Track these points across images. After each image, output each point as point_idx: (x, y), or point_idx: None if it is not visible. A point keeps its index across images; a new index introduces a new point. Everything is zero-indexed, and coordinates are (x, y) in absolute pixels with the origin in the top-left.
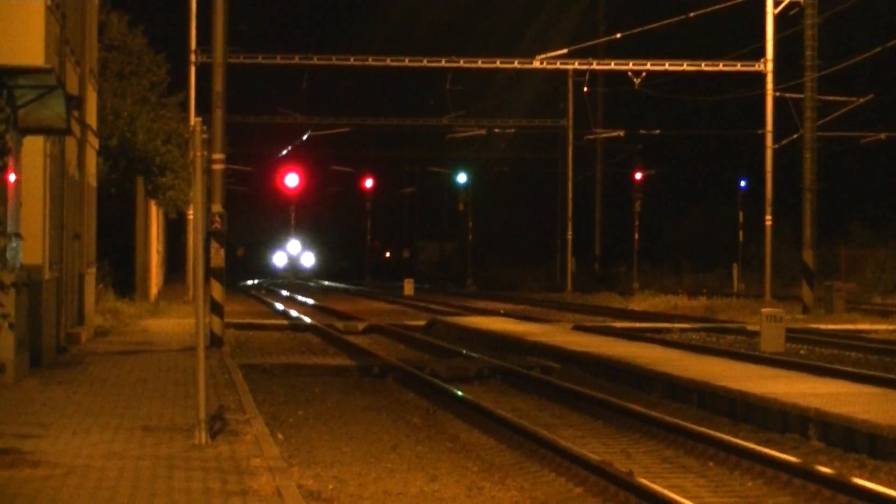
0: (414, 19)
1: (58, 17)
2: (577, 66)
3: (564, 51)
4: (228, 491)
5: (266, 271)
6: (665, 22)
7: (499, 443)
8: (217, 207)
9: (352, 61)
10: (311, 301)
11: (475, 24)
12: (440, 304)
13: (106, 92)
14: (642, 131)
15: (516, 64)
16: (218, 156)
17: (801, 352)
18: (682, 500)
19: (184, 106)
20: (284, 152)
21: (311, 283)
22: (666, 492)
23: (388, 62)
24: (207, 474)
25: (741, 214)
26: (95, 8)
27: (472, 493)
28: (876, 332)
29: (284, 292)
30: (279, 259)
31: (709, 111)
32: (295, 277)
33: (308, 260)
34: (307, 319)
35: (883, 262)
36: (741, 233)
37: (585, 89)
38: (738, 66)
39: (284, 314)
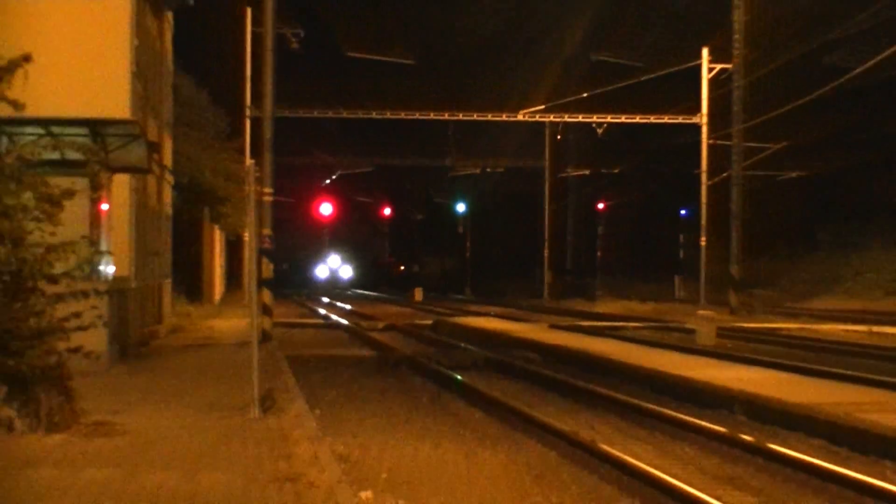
0: (423, 80)
1: (140, 80)
2: (552, 118)
3: (542, 106)
4: (276, 455)
5: (306, 282)
6: (621, 84)
7: (490, 418)
8: (266, 230)
9: (373, 115)
10: (341, 305)
11: (473, 85)
12: (443, 307)
13: (178, 139)
14: (604, 170)
15: (504, 116)
16: (267, 190)
17: (729, 345)
18: (633, 461)
19: (240, 150)
20: (325, 182)
21: (349, 292)
22: (621, 455)
23: (403, 115)
24: (259, 442)
25: (682, 237)
26: (170, 73)
27: (469, 457)
28: (787, 329)
29: (325, 299)
30: (321, 272)
31: (657, 154)
32: (334, 287)
33: (346, 272)
34: (338, 319)
35: (794, 275)
36: (682, 251)
37: (559, 137)
38: (680, 119)
39: (321, 315)
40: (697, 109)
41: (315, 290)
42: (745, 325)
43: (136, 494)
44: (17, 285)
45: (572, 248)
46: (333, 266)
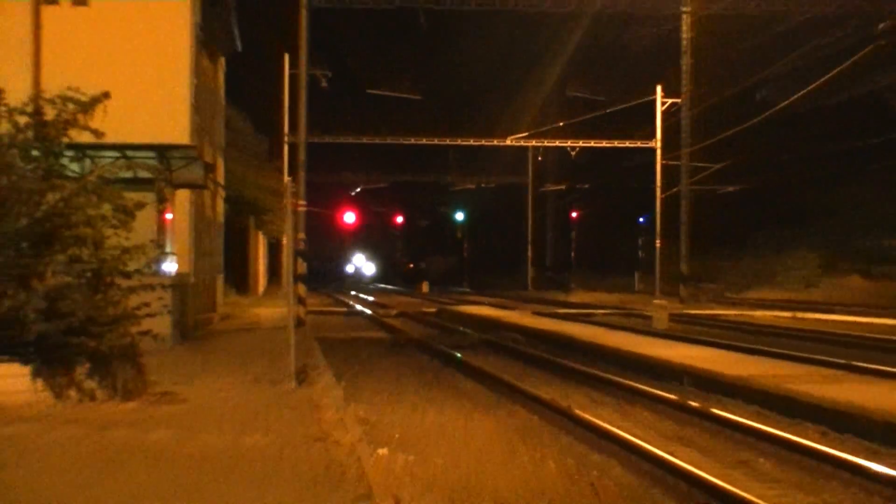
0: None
1: (198, 112)
2: (534, 143)
3: (526, 133)
4: (308, 420)
5: (335, 278)
6: (591, 115)
7: (484, 388)
8: (301, 235)
9: (388, 140)
10: (362, 296)
11: (469, 116)
12: (446, 298)
13: (229, 160)
14: (576, 185)
15: (495, 142)
16: (301, 202)
17: (679, 328)
18: (602, 424)
19: (279, 169)
20: (349, 195)
21: (370, 286)
22: (591, 418)
23: (412, 141)
24: (294, 409)
25: (640, 240)
26: (222, 106)
27: (467, 421)
28: (727, 315)
29: (352, 292)
30: (349, 269)
31: (620, 172)
32: (359, 281)
33: (369, 269)
34: (359, 308)
35: (732, 270)
36: (640, 251)
37: (539, 158)
38: (638, 143)
39: (345, 305)
40: (653, 136)
41: (342, 285)
42: (693, 312)
43: (193, 452)
44: (98, 280)
45: (551, 249)
46: (359, 264)
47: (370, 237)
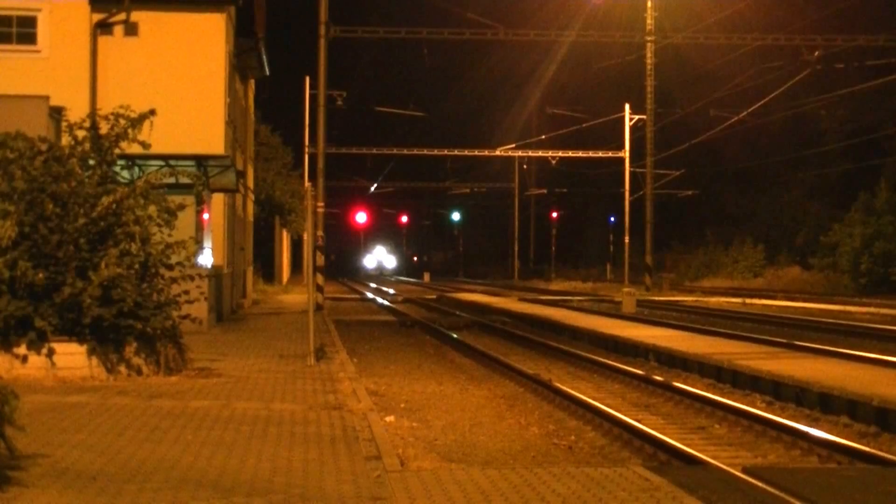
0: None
1: (231, 127)
2: (519, 154)
3: (513, 145)
4: (326, 390)
5: (351, 269)
6: (569, 129)
7: (477, 363)
8: (320, 233)
9: (395, 151)
10: (373, 285)
11: (464, 131)
12: (444, 286)
13: (258, 168)
14: (556, 190)
15: (486, 153)
16: (320, 204)
17: (645, 312)
18: (578, 394)
19: (301, 176)
20: (361, 198)
21: (391, 278)
22: (569, 390)
23: (415, 151)
24: (314, 381)
25: (611, 236)
26: (252, 121)
27: (462, 391)
28: (685, 301)
29: (367, 282)
30: (369, 262)
31: (593, 178)
32: (380, 273)
33: (391, 263)
34: (369, 295)
35: (689, 262)
36: (611, 246)
37: (525, 167)
38: (610, 154)
39: (358, 292)
40: (622, 147)
41: (358, 275)
42: (656, 298)
43: (228, 417)
44: (145, 271)
45: (534, 244)
46: (380, 258)
47: (386, 234)
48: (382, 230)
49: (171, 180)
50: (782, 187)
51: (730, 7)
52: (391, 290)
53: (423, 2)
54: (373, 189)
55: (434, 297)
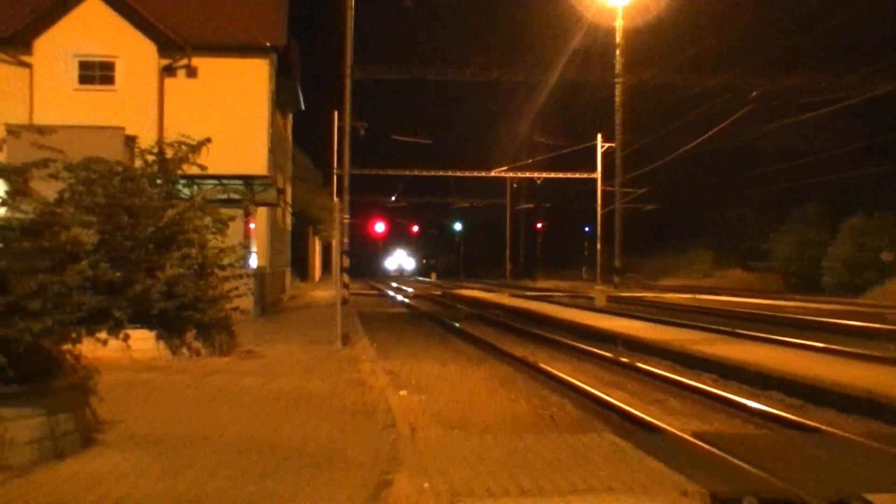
0: (436, 152)
1: (272, 152)
2: (511, 174)
3: (505, 167)
4: (350, 370)
5: (371, 271)
6: (552, 154)
7: (475, 348)
8: (345, 240)
9: (406, 172)
10: (391, 283)
11: (464, 154)
12: (448, 284)
13: (295, 186)
14: (542, 205)
15: (483, 173)
16: (346, 215)
17: (614, 306)
18: (558, 373)
19: (330, 193)
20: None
21: (410, 278)
22: (551, 369)
23: (424, 172)
24: (341, 362)
25: (586, 243)
26: (290, 147)
27: (462, 371)
28: (647, 297)
29: (385, 281)
30: (391, 264)
31: (571, 195)
32: (400, 274)
33: (410, 265)
34: (386, 291)
35: (650, 265)
36: (586, 251)
37: (515, 185)
38: (585, 175)
39: (377, 289)
40: (595, 169)
41: (377, 275)
42: (623, 294)
43: (271, 391)
44: (202, 271)
45: (523, 250)
46: (401, 261)
47: (406, 240)
48: (399, 237)
49: (224, 196)
50: (728, 203)
51: (689, 50)
52: (404, 287)
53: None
54: (391, 201)
55: (439, 293)
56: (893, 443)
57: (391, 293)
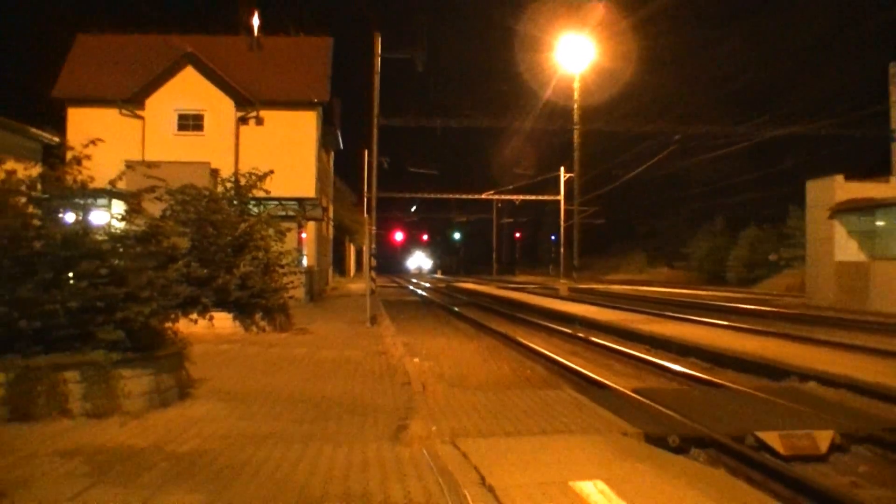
0: (442, 180)
1: (318, 180)
2: (496, 197)
3: (493, 191)
4: (376, 343)
5: (392, 270)
6: (526, 183)
7: (470, 327)
8: (373, 246)
9: (419, 194)
10: (408, 279)
11: (462, 181)
12: (450, 279)
13: (335, 205)
14: (520, 219)
15: (476, 196)
16: (373, 227)
17: (574, 295)
18: (533, 345)
19: (362, 210)
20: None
21: (428, 275)
22: (528, 342)
23: (432, 195)
24: (369, 337)
25: (552, 248)
26: (331, 176)
27: (461, 344)
28: (599, 288)
29: (404, 277)
30: (412, 263)
31: (542, 212)
32: (419, 272)
33: (427, 265)
34: (405, 284)
35: (601, 265)
36: (552, 254)
37: (499, 205)
38: (552, 198)
39: (397, 283)
40: (559, 193)
41: (397, 272)
42: (580, 286)
43: (317, 358)
44: (267, 269)
45: (506, 253)
46: (418, 261)
47: (418, 246)
48: (414, 243)
49: (282, 213)
50: (658, 217)
51: (629, 104)
52: (418, 281)
53: (439, 100)
54: (407, 216)
55: (444, 286)
56: (777, 394)
57: (408, 286)
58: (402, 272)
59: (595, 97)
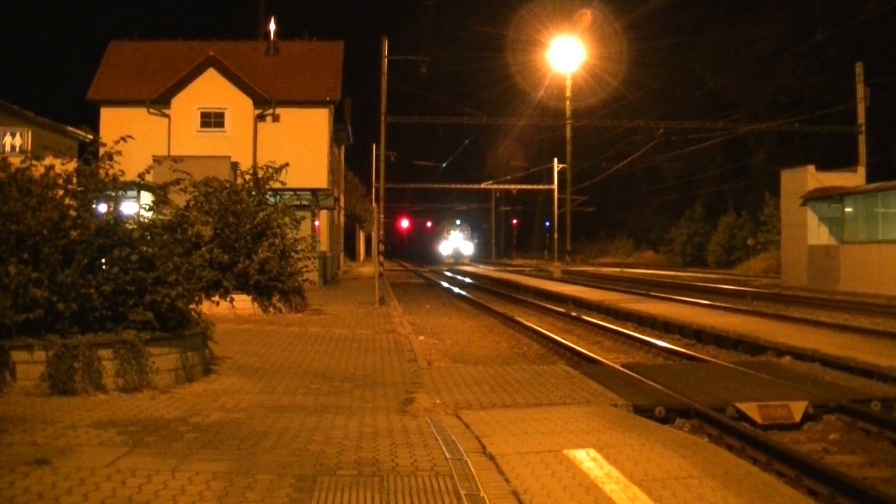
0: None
1: (330, 172)
2: (494, 187)
3: (491, 181)
4: (385, 322)
5: (398, 255)
6: (522, 174)
7: (471, 307)
8: (381, 233)
9: (424, 185)
10: (414, 263)
11: (463, 172)
12: (455, 265)
13: (346, 195)
14: (516, 208)
15: (475, 186)
16: (381, 216)
17: (566, 277)
18: (529, 323)
19: (371, 200)
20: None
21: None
22: (524, 321)
23: (435, 185)
24: (379, 317)
25: (547, 235)
26: (342, 169)
27: (462, 322)
28: (589, 270)
29: (411, 262)
30: (445, 249)
31: (536, 200)
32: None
33: (467, 248)
34: (411, 267)
35: (591, 249)
36: (547, 239)
37: (497, 195)
38: (546, 187)
39: (405, 267)
40: (552, 183)
41: (403, 258)
42: (572, 269)
43: (330, 337)
44: (284, 254)
45: (504, 239)
46: (453, 244)
47: (417, 234)
48: (418, 230)
49: (297, 203)
50: (644, 206)
51: (617, 103)
52: (424, 265)
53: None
54: (412, 205)
55: (445, 269)
56: (754, 368)
57: (413, 269)
58: (431, 262)
59: (585, 95)
